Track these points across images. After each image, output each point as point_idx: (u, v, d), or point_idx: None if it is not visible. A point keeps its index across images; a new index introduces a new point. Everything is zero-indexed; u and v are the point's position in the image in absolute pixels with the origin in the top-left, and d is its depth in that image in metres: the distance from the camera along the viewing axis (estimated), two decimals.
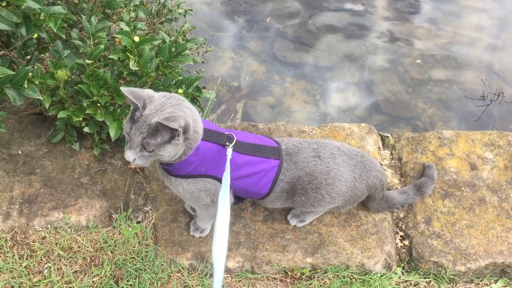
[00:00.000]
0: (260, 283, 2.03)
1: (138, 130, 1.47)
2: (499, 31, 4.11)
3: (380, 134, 2.52)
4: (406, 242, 2.15)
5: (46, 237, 2.04)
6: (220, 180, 1.68)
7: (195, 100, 2.14)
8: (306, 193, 1.80)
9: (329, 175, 1.79)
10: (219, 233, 1.45)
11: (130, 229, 2.07)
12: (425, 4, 4.31)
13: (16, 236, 2.04)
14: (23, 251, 1.99)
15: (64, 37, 1.96)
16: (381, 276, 2.05)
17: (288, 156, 1.78)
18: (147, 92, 1.52)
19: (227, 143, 1.65)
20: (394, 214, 2.21)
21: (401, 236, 2.17)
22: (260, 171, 1.74)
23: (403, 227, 2.18)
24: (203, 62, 3.39)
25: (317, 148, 1.83)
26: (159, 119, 1.42)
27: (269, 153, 1.75)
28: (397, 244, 2.14)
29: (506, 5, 4.34)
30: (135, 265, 1.99)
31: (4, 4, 1.63)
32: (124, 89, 1.46)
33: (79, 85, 1.94)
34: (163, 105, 1.49)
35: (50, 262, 1.98)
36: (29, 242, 2.02)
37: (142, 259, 2.01)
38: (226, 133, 1.69)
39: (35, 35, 1.93)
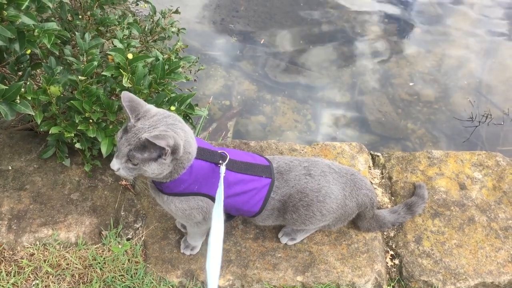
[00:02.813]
0: None
1: (127, 141, 1.45)
2: (487, 54, 4.18)
3: (370, 153, 2.54)
4: (396, 261, 2.15)
5: (34, 253, 2.02)
6: (212, 198, 1.68)
7: (188, 118, 2.15)
8: (297, 211, 1.80)
9: (320, 193, 1.80)
10: (213, 249, 1.45)
11: (119, 246, 2.06)
12: (415, 27, 4.38)
13: (4, 252, 2.01)
14: (11, 268, 1.97)
15: (57, 53, 1.97)
16: None
17: (279, 174, 1.79)
18: (147, 106, 1.51)
19: (220, 161, 1.65)
20: (385, 233, 2.22)
21: (391, 255, 2.17)
22: (252, 189, 1.74)
23: (394, 246, 2.18)
24: (195, 80, 3.41)
25: (308, 166, 1.83)
26: (148, 135, 1.40)
27: (261, 172, 1.76)
28: (387, 263, 2.15)
29: (493, 28, 4.42)
30: (124, 282, 1.97)
31: None
32: (124, 95, 1.45)
33: (71, 101, 1.94)
34: (157, 122, 1.48)
35: (38, 279, 1.96)
36: (17, 259, 2.00)
37: (131, 276, 1.99)
38: (219, 151, 1.69)
39: (29, 51, 1.94)
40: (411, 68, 4.00)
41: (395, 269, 2.14)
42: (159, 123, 1.48)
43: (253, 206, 1.78)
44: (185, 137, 1.53)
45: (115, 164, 1.50)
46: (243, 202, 1.76)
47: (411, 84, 3.85)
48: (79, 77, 1.93)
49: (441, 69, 4.00)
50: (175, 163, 1.54)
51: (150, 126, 1.46)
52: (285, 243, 2.10)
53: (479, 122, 3.59)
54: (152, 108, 1.53)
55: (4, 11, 1.62)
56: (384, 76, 3.92)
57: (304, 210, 1.80)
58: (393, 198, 2.34)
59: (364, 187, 1.92)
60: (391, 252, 2.17)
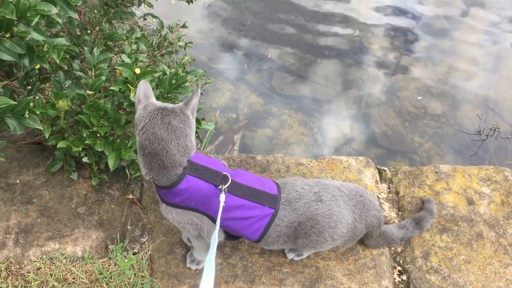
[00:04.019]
0: None
1: None
2: (494, 67, 4.18)
3: (377, 168, 2.53)
4: (404, 277, 2.13)
5: (41, 267, 2.02)
6: (209, 216, 1.68)
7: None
8: (309, 237, 1.79)
9: (331, 218, 1.78)
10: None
11: (126, 260, 2.06)
12: (422, 40, 4.39)
13: (11, 266, 2.02)
14: (17, 282, 1.97)
15: (66, 68, 1.99)
16: None
17: (288, 203, 1.75)
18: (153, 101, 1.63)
19: (220, 186, 1.63)
20: (392, 249, 2.20)
21: (398, 271, 2.15)
22: (252, 216, 1.70)
23: (401, 262, 2.17)
24: (202, 93, 3.43)
25: (318, 191, 1.80)
26: None
27: (265, 200, 1.71)
28: (394, 279, 2.13)
29: (500, 41, 4.42)
30: None
31: (8, 35, 1.66)
32: (142, 82, 1.64)
33: (79, 115, 1.95)
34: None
35: None
36: (23, 273, 2.00)
37: None
38: (223, 172, 1.67)
39: (38, 66, 1.96)
40: (418, 82, 4.00)
41: (402, 285, 2.12)
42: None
43: (252, 233, 1.75)
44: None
45: None
46: (242, 228, 1.73)
47: (419, 98, 3.84)
48: (87, 91, 1.94)
49: (448, 82, 4.00)
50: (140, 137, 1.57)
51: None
52: (292, 259, 2.09)
53: (487, 135, 3.58)
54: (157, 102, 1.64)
55: (14, 27, 1.64)
56: (390, 89, 3.93)
57: (316, 237, 1.79)
58: (400, 213, 2.33)
59: (373, 208, 1.91)
60: (399, 268, 2.16)
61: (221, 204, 1.60)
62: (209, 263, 1.43)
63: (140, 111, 1.58)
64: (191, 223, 1.71)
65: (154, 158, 1.57)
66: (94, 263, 2.06)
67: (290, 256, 2.08)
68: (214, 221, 1.67)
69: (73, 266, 2.04)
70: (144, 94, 1.61)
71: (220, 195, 1.61)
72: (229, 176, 1.65)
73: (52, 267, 2.03)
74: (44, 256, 2.05)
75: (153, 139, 1.55)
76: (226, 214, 1.64)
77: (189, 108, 1.59)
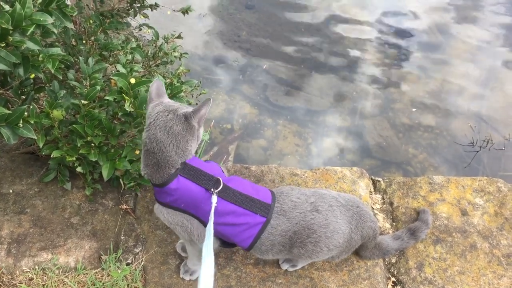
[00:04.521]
0: None
1: None
2: (487, 79, 4.21)
3: (371, 178, 2.53)
4: None
5: (33, 278, 2.00)
6: (200, 220, 1.68)
7: None
8: (305, 247, 1.78)
9: (328, 228, 1.78)
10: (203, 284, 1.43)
11: (119, 271, 2.04)
12: (415, 53, 4.43)
13: (2, 276, 2.00)
14: None
15: (60, 77, 1.99)
16: None
17: (282, 213, 1.74)
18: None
19: (212, 189, 1.63)
20: (386, 259, 2.20)
21: (393, 282, 2.15)
22: (243, 223, 1.70)
23: (395, 273, 2.16)
24: (197, 104, 3.42)
25: (314, 201, 1.80)
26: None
27: (258, 208, 1.71)
28: None
29: (493, 54, 4.46)
30: None
31: (3, 44, 1.66)
32: (156, 81, 1.67)
33: (73, 125, 1.95)
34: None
35: None
36: (15, 283, 1.98)
37: None
38: (216, 177, 1.67)
39: (32, 75, 1.96)
40: (412, 93, 4.02)
41: None
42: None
43: (243, 240, 1.74)
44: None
45: None
46: (233, 234, 1.72)
47: (413, 110, 3.86)
48: (82, 101, 1.94)
49: (441, 95, 4.03)
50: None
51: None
52: (286, 269, 2.08)
53: (480, 147, 3.59)
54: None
55: (10, 37, 1.64)
56: (384, 101, 3.95)
57: (312, 246, 1.78)
58: (394, 223, 2.33)
59: (369, 220, 1.91)
60: (393, 279, 2.15)
61: (213, 205, 1.61)
62: (207, 248, 1.50)
63: (150, 110, 1.62)
64: (181, 225, 1.71)
65: (151, 156, 1.61)
66: (87, 273, 2.04)
67: (285, 266, 2.07)
68: (205, 225, 1.67)
69: (66, 276, 2.02)
70: (156, 92, 1.64)
71: (212, 196, 1.62)
72: (222, 181, 1.66)
73: (45, 277, 2.01)
74: (37, 267, 2.04)
75: (153, 138, 1.59)
76: (217, 219, 1.65)
77: (196, 117, 1.61)
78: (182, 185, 1.62)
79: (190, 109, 1.62)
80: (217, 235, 1.78)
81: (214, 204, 1.61)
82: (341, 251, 1.90)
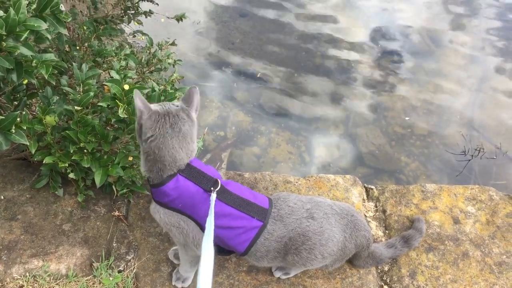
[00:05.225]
0: None
1: None
2: (478, 89, 4.25)
3: (364, 186, 2.54)
4: None
5: (23, 285, 1.98)
6: (196, 222, 1.68)
7: None
8: (300, 254, 1.78)
9: (322, 236, 1.78)
10: (202, 281, 1.43)
11: (111, 278, 2.03)
12: (407, 61, 4.46)
13: None
14: None
15: (54, 83, 1.98)
16: None
17: (279, 218, 1.75)
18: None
19: (211, 188, 1.64)
20: (379, 267, 2.20)
21: None
22: (239, 227, 1.70)
23: (388, 281, 2.16)
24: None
25: (310, 208, 1.81)
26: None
27: (255, 212, 1.71)
28: None
29: (485, 64, 4.50)
30: None
31: None
32: (136, 92, 1.59)
33: (66, 131, 1.94)
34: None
35: None
36: None
37: None
38: (214, 178, 1.67)
39: (25, 81, 1.95)
40: (404, 102, 4.04)
41: None
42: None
43: (239, 244, 1.74)
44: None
45: None
46: (229, 237, 1.72)
47: (406, 118, 3.88)
48: (75, 107, 1.94)
49: (433, 103, 4.05)
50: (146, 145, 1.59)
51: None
52: (279, 277, 2.07)
53: (472, 156, 3.62)
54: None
55: (3, 42, 1.63)
56: (377, 109, 3.97)
57: (307, 253, 1.78)
58: (387, 231, 2.33)
59: (363, 229, 1.92)
60: (386, 287, 2.15)
61: (212, 202, 1.61)
62: (206, 242, 1.52)
63: (147, 122, 1.58)
64: (177, 226, 1.70)
65: (157, 163, 1.60)
66: (78, 281, 2.02)
67: (277, 274, 2.07)
68: (201, 228, 1.67)
69: (57, 284, 2.01)
70: (143, 103, 1.60)
71: (212, 194, 1.62)
72: (220, 182, 1.66)
73: (35, 285, 1.99)
74: (27, 274, 2.02)
75: (162, 147, 1.57)
76: (214, 221, 1.64)
77: (192, 109, 1.63)
78: (181, 184, 1.62)
79: (183, 104, 1.63)
80: (214, 240, 1.78)
81: (213, 201, 1.61)
82: (335, 260, 1.90)
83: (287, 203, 1.80)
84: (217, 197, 1.65)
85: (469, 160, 3.60)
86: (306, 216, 1.78)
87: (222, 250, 1.86)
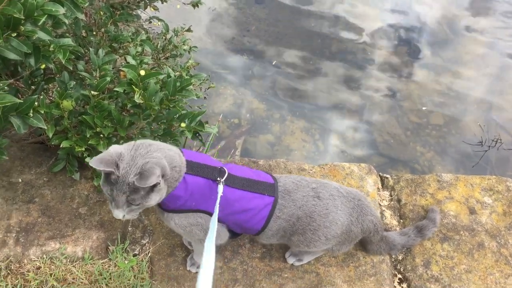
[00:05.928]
0: None
1: (120, 191, 1.45)
2: (498, 78, 4.18)
3: (379, 175, 2.53)
4: (404, 285, 2.12)
5: (41, 267, 2.01)
6: (210, 215, 1.67)
7: (197, 135, 2.16)
8: (305, 234, 1.80)
9: (327, 218, 1.79)
10: (203, 282, 1.41)
11: (126, 262, 2.05)
12: (425, 50, 4.40)
13: (10, 265, 2.01)
14: (17, 281, 1.96)
15: (71, 68, 1.99)
16: None
17: (286, 192, 1.77)
18: (114, 151, 1.48)
19: (218, 178, 1.64)
20: (393, 256, 2.20)
21: (399, 279, 2.14)
22: (253, 207, 1.71)
23: (402, 270, 2.16)
24: (205, 97, 3.43)
25: (316, 187, 1.82)
26: (138, 181, 1.41)
27: (264, 189, 1.73)
28: (395, 286, 2.12)
29: (504, 52, 4.43)
30: None
31: (15, 34, 1.67)
32: (92, 163, 1.42)
33: (83, 115, 1.96)
34: (133, 158, 1.46)
35: None
36: (23, 272, 1.99)
37: None
38: (219, 167, 1.68)
39: (43, 66, 1.96)
40: (421, 91, 4.00)
41: None
42: (135, 158, 1.46)
43: (255, 224, 1.76)
44: (165, 154, 1.53)
45: (119, 214, 1.51)
46: (245, 220, 1.74)
47: (423, 108, 3.85)
48: (92, 92, 1.95)
49: (450, 93, 4.01)
50: (168, 182, 1.55)
51: (130, 167, 1.45)
52: (292, 264, 2.08)
53: (489, 146, 3.57)
54: (119, 148, 1.50)
55: (21, 26, 1.64)
56: (393, 98, 3.93)
57: (311, 234, 1.80)
58: (401, 220, 2.32)
59: (370, 213, 1.91)
60: (399, 276, 2.15)
61: (219, 194, 1.61)
62: (209, 244, 1.49)
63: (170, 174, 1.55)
64: (196, 224, 1.70)
65: (175, 181, 1.59)
66: (94, 263, 2.05)
67: (291, 261, 2.07)
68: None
69: (73, 266, 2.03)
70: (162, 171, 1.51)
71: (218, 186, 1.63)
72: (226, 170, 1.67)
73: (52, 266, 2.02)
74: (44, 256, 2.05)
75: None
76: (227, 209, 1.65)
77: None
78: (190, 182, 1.61)
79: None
80: (231, 227, 1.79)
81: (220, 194, 1.61)
82: (339, 243, 1.90)
83: (290, 179, 1.83)
84: (226, 184, 1.65)
85: (486, 150, 3.56)
86: (312, 195, 1.79)
87: (234, 234, 1.87)
